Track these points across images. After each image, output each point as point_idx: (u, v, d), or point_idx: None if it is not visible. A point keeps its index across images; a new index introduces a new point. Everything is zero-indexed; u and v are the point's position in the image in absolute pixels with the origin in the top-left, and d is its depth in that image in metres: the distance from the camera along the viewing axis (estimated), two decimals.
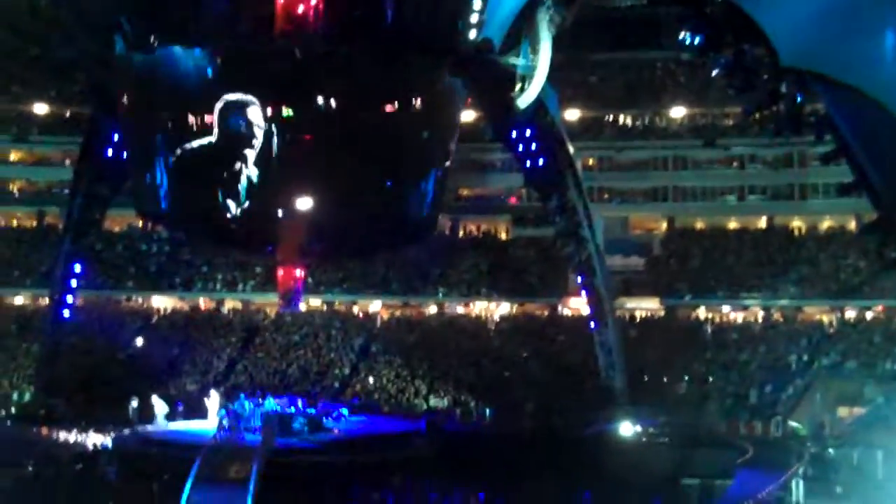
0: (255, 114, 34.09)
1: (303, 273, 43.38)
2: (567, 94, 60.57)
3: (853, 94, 20.96)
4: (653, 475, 33.33)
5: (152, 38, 36.35)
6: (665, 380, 53.87)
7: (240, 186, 34.59)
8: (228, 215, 35.34)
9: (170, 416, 42.67)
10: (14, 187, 73.69)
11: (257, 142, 34.08)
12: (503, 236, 71.14)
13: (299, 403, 41.18)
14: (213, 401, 43.25)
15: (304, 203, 35.04)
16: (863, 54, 20.98)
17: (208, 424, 40.98)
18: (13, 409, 51.86)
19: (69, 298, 51.70)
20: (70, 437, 42.45)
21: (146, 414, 43.21)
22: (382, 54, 35.29)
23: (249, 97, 33.95)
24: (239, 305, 66.45)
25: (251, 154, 34.32)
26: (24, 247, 69.19)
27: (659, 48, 68.82)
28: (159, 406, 42.30)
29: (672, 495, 30.84)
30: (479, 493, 28.76)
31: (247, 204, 34.83)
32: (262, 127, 33.94)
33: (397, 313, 65.89)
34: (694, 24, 24.13)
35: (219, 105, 34.20)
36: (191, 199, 36.14)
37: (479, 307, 66.20)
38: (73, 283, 51.61)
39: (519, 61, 40.49)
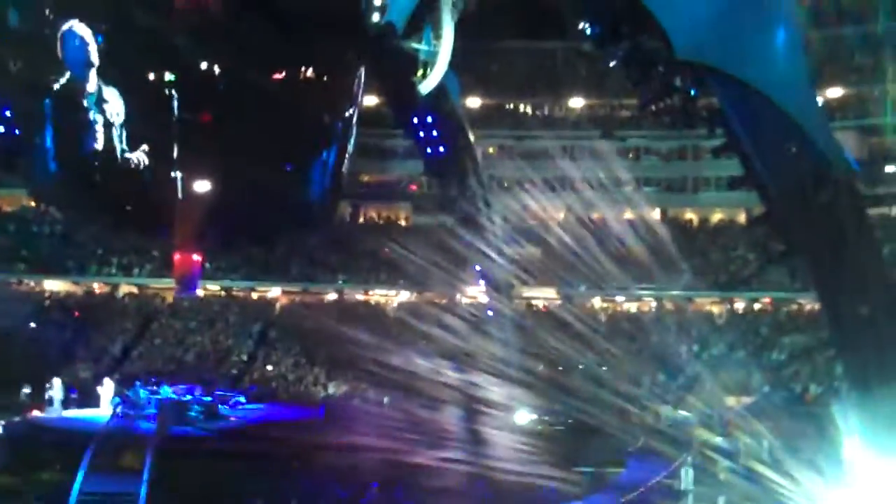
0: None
1: (200, 258, 42.74)
2: (469, 82, 60.80)
3: (744, 88, 21.56)
4: (547, 463, 33.73)
5: (47, 13, 35.36)
6: (560, 369, 54.52)
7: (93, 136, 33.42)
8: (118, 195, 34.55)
9: (65, 403, 41.62)
10: None
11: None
12: (403, 223, 71.20)
13: (196, 391, 40.65)
14: (106, 388, 42.39)
15: (199, 185, 34.45)
16: (754, 50, 21.58)
17: (102, 412, 40.19)
18: None
19: None
20: None
21: (38, 400, 42.15)
22: (281, 32, 34.91)
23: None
24: (135, 290, 65.21)
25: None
26: None
27: (560, 38, 69.56)
28: (57, 391, 41.22)
29: (565, 483, 31.29)
30: (373, 482, 28.78)
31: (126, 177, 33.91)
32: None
33: (296, 299, 65.48)
34: (593, 14, 24.45)
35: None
36: (73, 175, 35.01)
37: (378, 294, 66.16)
38: None
39: (422, 46, 40.53)
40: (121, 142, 33.27)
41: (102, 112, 33.00)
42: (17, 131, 40.02)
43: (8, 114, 43.06)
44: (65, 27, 32.21)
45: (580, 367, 54.17)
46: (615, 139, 68.19)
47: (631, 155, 68.97)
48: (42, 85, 34.15)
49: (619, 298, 63.39)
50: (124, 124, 33.20)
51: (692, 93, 23.24)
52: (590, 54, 68.22)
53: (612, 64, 25.30)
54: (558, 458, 35.16)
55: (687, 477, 31.04)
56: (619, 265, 62.67)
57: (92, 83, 32.78)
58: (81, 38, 32.35)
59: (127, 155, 33.33)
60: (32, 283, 66.06)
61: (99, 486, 25.98)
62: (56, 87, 33.33)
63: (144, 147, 33.42)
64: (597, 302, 63.72)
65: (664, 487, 31.29)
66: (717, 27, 21.54)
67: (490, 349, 51.99)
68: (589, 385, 51.50)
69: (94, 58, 32.45)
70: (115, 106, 32.89)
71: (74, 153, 34.06)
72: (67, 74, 32.88)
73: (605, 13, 24.41)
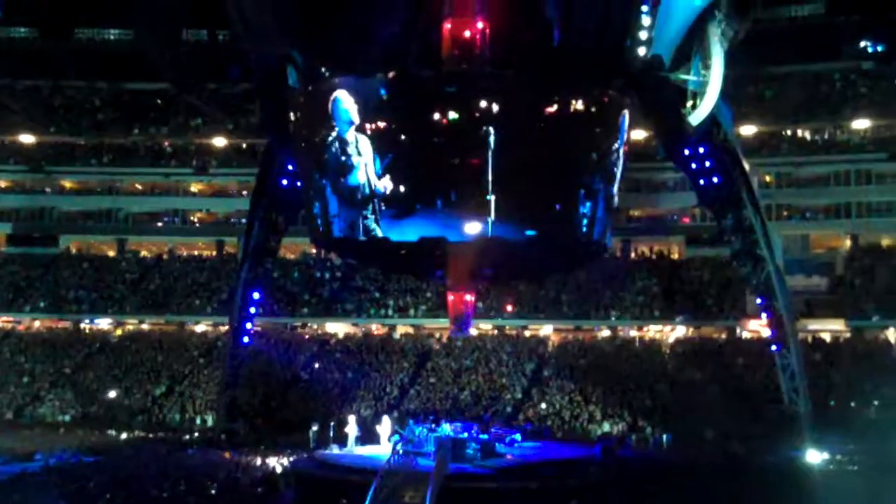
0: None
1: (473, 297, 43.25)
2: (742, 110, 58.92)
3: None
4: None
5: (323, 70, 37.19)
6: (853, 405, 51.35)
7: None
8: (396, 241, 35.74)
9: (359, 440, 42.86)
10: (195, 218, 76.85)
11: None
12: (676, 257, 69.65)
13: (473, 429, 40.92)
14: (384, 426, 43.45)
15: (474, 228, 34.88)
16: None
17: (381, 449, 41.18)
18: (196, 434, 53.61)
19: (248, 325, 52.96)
20: (251, 460, 43.49)
21: (324, 438, 43.76)
22: (549, 76, 34.98)
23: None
24: (411, 330, 67.01)
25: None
26: (205, 275, 71.89)
27: (838, 58, 66.40)
28: (353, 428, 42.61)
29: None
30: None
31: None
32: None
33: (569, 337, 65.16)
34: (875, 31, 22.80)
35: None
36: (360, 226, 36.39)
37: (653, 330, 64.85)
38: (252, 310, 52.85)
39: (690, 77, 39.57)
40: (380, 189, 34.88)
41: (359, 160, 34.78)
42: (299, 183, 42.28)
43: (290, 167, 45.73)
44: (335, 95, 34.23)
45: (875, 402, 50.79)
46: None
47: None
48: (319, 139, 36.04)
49: None
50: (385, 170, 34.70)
51: None
52: (873, 73, 65.18)
53: None
54: (854, 500, 32.91)
55: None
56: None
57: (351, 135, 34.71)
58: (348, 103, 34.48)
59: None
60: (315, 326, 69.29)
61: None
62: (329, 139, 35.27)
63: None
64: (890, 333, 59.49)
65: None
66: None
67: (771, 387, 49.74)
68: (885, 421, 48.24)
69: (356, 117, 34.47)
70: (367, 153, 34.96)
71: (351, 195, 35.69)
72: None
73: (889, 29, 22.75)
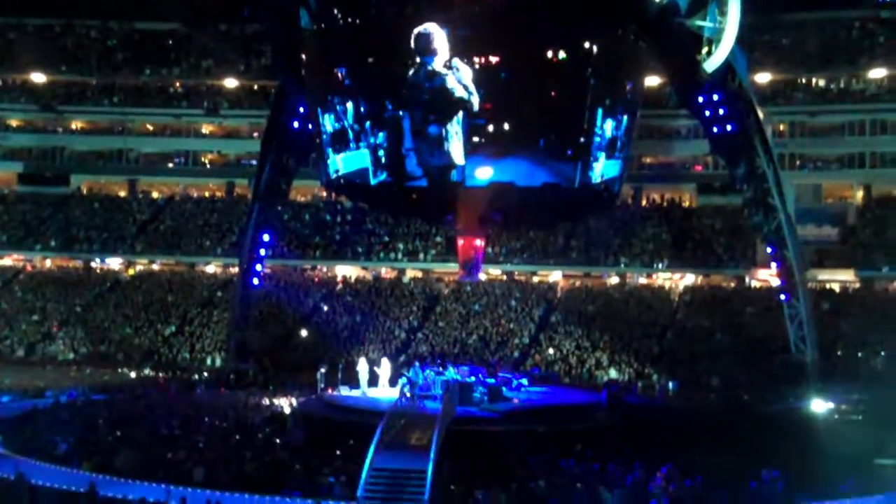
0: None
1: (482, 243, 43.21)
2: (757, 57, 58.36)
3: None
4: (845, 455, 31.67)
5: (335, 11, 36.83)
6: (859, 355, 51.46)
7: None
8: (413, 183, 35.44)
9: (371, 382, 43.01)
10: (206, 159, 76.83)
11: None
12: (688, 204, 69.47)
13: (480, 374, 41.10)
14: (384, 368, 43.53)
15: (486, 172, 34.73)
16: None
17: (383, 392, 41.47)
18: (205, 374, 54.04)
19: (258, 267, 53.08)
20: (259, 400, 43.84)
21: (332, 380, 44.00)
22: (564, 18, 34.60)
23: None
24: (420, 275, 67.16)
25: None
26: (215, 216, 72.04)
27: (856, 6, 65.58)
28: (364, 371, 42.76)
29: (865, 477, 29.17)
30: (662, 467, 27.92)
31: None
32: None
33: (577, 283, 65.26)
34: None
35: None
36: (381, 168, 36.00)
37: (662, 278, 64.89)
38: (262, 252, 52.94)
39: (706, 24, 39.12)
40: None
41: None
42: (310, 125, 42.03)
43: (301, 109, 45.48)
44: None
45: (882, 353, 50.86)
46: None
47: None
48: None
49: None
50: None
51: None
52: (891, 21, 64.39)
53: None
54: (858, 450, 32.96)
55: None
56: None
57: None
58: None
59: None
60: (325, 269, 69.50)
61: (388, 462, 26.66)
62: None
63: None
64: None
65: None
66: None
67: (779, 336, 49.81)
68: (891, 372, 48.31)
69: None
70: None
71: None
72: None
73: None
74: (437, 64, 33.36)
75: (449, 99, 33.72)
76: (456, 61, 33.26)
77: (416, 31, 33.08)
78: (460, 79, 33.41)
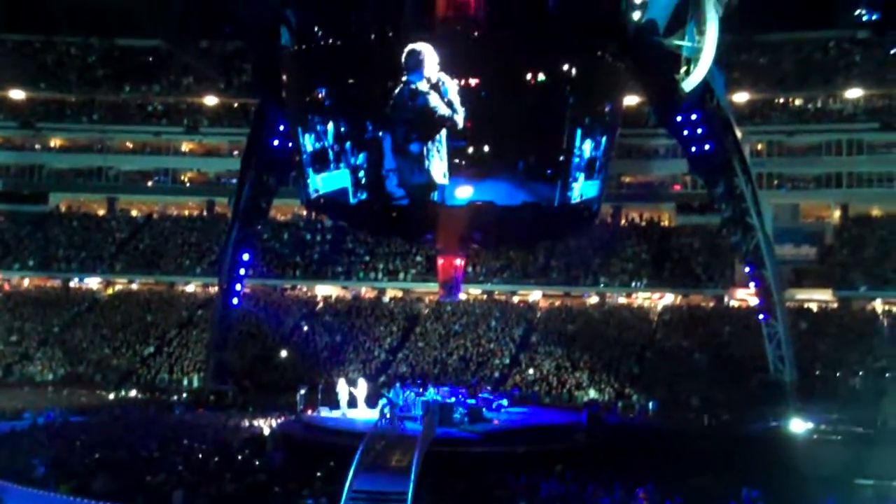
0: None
1: (463, 262, 43.19)
2: (735, 77, 58.80)
3: None
4: (824, 475, 31.76)
5: (316, 30, 36.89)
6: (838, 375, 51.70)
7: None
8: (393, 202, 35.38)
9: (350, 403, 42.75)
10: (186, 177, 76.63)
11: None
12: (667, 224, 69.73)
13: (460, 394, 41.03)
14: (360, 389, 43.29)
15: (465, 191, 34.76)
16: None
17: (362, 413, 41.26)
18: (184, 395, 53.67)
19: (238, 287, 52.78)
20: (238, 422, 43.58)
21: (312, 401, 43.77)
22: (543, 39, 34.75)
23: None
24: (400, 294, 67.06)
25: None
26: (194, 235, 71.76)
27: (832, 27, 66.23)
28: (343, 391, 42.54)
29: (845, 496, 29.26)
30: (641, 488, 27.91)
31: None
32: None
33: (557, 303, 65.31)
34: (871, 0, 22.70)
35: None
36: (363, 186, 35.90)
37: (641, 297, 65.03)
38: (242, 271, 52.62)
39: (684, 43, 39.41)
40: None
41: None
42: (290, 144, 41.96)
43: (282, 128, 45.44)
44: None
45: (860, 373, 51.10)
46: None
47: None
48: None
49: None
50: None
51: None
52: (867, 42, 65.00)
53: (893, 51, 23.29)
54: (837, 470, 33.06)
55: None
56: None
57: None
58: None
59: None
60: (304, 288, 69.29)
61: (368, 484, 26.56)
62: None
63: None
64: (878, 304, 59.76)
65: None
66: None
67: (758, 356, 49.95)
68: (870, 392, 48.54)
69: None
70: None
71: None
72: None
73: None
74: (422, 83, 33.43)
75: (432, 117, 33.76)
76: (443, 76, 33.32)
77: (407, 48, 33.16)
78: (446, 94, 33.48)
